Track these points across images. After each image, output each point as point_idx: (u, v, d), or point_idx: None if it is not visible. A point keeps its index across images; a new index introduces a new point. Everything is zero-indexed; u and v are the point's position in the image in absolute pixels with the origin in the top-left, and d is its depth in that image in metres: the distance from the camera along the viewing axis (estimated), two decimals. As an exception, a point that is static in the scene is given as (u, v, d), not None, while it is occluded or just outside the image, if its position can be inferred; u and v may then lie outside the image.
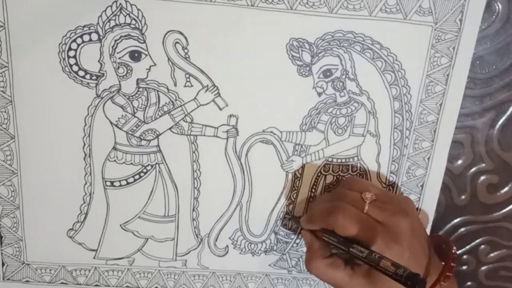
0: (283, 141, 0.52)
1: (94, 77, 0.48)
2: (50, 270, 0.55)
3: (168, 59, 0.48)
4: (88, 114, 0.49)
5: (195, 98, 0.50)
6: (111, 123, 0.50)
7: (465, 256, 0.60)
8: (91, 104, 0.49)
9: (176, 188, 0.53)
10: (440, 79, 0.50)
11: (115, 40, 0.47)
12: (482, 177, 0.56)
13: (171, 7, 0.46)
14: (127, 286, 0.56)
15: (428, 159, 0.53)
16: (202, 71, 0.49)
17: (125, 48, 0.48)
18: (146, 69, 0.48)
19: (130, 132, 0.50)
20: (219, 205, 0.54)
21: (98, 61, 0.48)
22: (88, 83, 0.48)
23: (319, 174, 0.54)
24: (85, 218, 0.53)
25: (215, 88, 0.49)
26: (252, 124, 0.51)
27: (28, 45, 0.47)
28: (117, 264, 0.55)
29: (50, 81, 0.48)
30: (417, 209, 0.55)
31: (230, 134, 0.51)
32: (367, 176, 0.54)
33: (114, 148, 0.51)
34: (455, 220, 0.58)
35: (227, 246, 0.56)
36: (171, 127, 0.51)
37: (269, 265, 0.57)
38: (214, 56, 0.48)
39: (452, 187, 0.56)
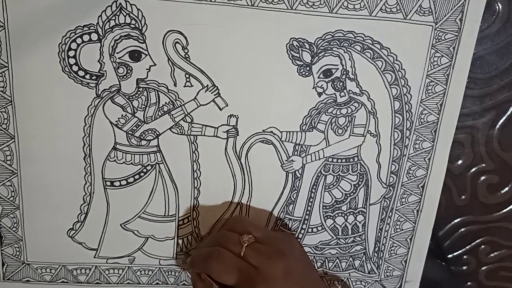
0: (283, 141, 0.52)
1: (94, 77, 0.48)
2: (51, 269, 0.55)
3: (168, 59, 0.48)
4: (88, 114, 0.49)
5: (195, 98, 0.50)
6: (111, 123, 0.50)
7: (465, 256, 0.60)
8: (91, 104, 0.49)
9: (176, 188, 0.53)
10: (440, 79, 0.50)
11: (115, 40, 0.47)
12: (482, 177, 0.56)
13: (171, 7, 0.46)
14: (128, 283, 0.56)
15: (429, 159, 0.53)
16: (202, 71, 0.49)
17: (125, 48, 0.48)
18: (146, 69, 0.48)
19: (130, 132, 0.50)
20: (219, 205, 0.54)
21: (98, 61, 0.48)
22: (88, 83, 0.48)
23: (319, 174, 0.54)
24: (85, 217, 0.53)
25: (215, 88, 0.49)
26: (252, 124, 0.51)
27: (28, 45, 0.46)
28: (118, 263, 0.56)
29: (50, 81, 0.48)
30: (417, 211, 0.55)
31: (230, 134, 0.51)
32: (367, 176, 0.54)
33: (114, 148, 0.51)
34: (455, 220, 0.58)
35: (227, 245, 0.56)
36: (171, 127, 0.51)
37: (269, 264, 0.57)
38: (214, 56, 0.48)
39: (452, 187, 0.56)
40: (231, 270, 0.45)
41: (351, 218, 0.56)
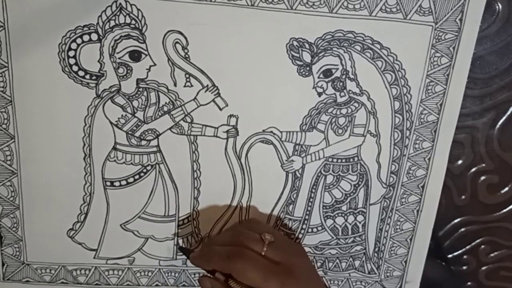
0: (283, 141, 0.52)
1: (94, 77, 0.48)
2: (50, 270, 0.55)
3: (168, 59, 0.48)
4: (88, 114, 0.49)
5: (195, 98, 0.50)
6: (111, 123, 0.50)
7: (465, 256, 0.60)
8: (91, 104, 0.49)
9: (176, 188, 0.53)
10: (440, 79, 0.50)
11: (115, 40, 0.47)
12: (482, 177, 0.56)
13: (171, 7, 0.46)
14: (127, 285, 0.56)
15: (429, 159, 0.53)
16: (202, 71, 0.49)
17: (125, 48, 0.48)
18: (146, 69, 0.48)
19: (130, 132, 0.50)
20: (219, 205, 0.54)
21: (98, 61, 0.48)
22: (88, 83, 0.48)
23: (319, 174, 0.54)
24: (85, 218, 0.53)
25: (215, 88, 0.49)
26: (252, 124, 0.51)
27: (28, 45, 0.46)
28: (118, 264, 0.56)
29: (50, 81, 0.48)
30: (417, 211, 0.55)
31: (230, 134, 0.51)
32: (367, 176, 0.54)
33: (114, 148, 0.51)
34: (455, 220, 0.58)
35: (227, 245, 0.56)
36: (171, 127, 0.51)
37: (269, 264, 0.57)
38: (214, 56, 0.48)
39: (452, 187, 0.56)
40: (256, 268, 0.44)
41: (351, 218, 0.56)
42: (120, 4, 0.46)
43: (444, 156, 0.53)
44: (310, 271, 0.47)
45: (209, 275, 0.48)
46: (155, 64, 0.48)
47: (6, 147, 0.50)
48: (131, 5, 0.46)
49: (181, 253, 0.55)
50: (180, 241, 0.55)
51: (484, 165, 0.55)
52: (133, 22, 0.47)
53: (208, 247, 0.49)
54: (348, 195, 0.55)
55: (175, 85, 0.49)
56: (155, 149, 0.51)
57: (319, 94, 0.51)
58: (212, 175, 0.53)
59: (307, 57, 0.49)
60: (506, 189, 0.57)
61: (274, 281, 0.44)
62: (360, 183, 0.54)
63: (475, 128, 0.54)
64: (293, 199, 0.55)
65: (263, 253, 0.46)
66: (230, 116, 0.51)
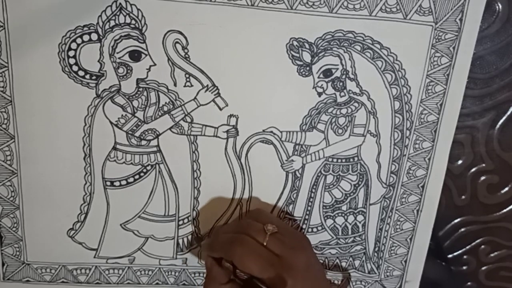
0: (283, 141, 0.52)
1: (94, 77, 0.48)
2: (51, 269, 0.55)
3: (168, 59, 0.48)
4: (88, 114, 0.49)
5: (195, 98, 0.50)
6: (111, 123, 0.50)
7: (465, 256, 0.60)
8: (91, 104, 0.49)
9: (176, 188, 0.53)
10: (441, 79, 0.50)
11: (115, 40, 0.47)
12: (482, 177, 0.56)
13: (171, 7, 0.46)
14: (128, 283, 0.56)
15: (429, 159, 0.53)
16: (202, 71, 0.49)
17: (125, 48, 0.48)
18: (146, 69, 0.48)
19: (130, 132, 0.50)
20: (219, 205, 0.54)
21: (98, 61, 0.48)
22: (88, 83, 0.48)
23: (319, 174, 0.54)
24: (85, 217, 0.53)
25: (215, 88, 0.49)
26: (252, 124, 0.51)
27: (28, 45, 0.46)
28: (118, 263, 0.56)
29: (50, 81, 0.48)
30: (417, 211, 0.55)
31: (230, 134, 0.51)
32: (367, 176, 0.54)
33: (114, 148, 0.51)
34: (455, 220, 0.58)
35: (227, 245, 0.56)
36: (171, 127, 0.51)
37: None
38: (214, 56, 0.48)
39: (452, 187, 0.56)
40: (255, 257, 0.45)
41: (351, 218, 0.56)
42: (120, 4, 0.46)
43: (444, 156, 0.53)
44: (310, 267, 0.46)
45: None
46: (155, 64, 0.48)
47: (6, 147, 0.50)
48: (131, 5, 0.46)
49: (182, 253, 0.55)
50: (180, 241, 0.55)
51: (484, 165, 0.55)
52: (133, 22, 0.47)
53: (214, 235, 0.50)
54: (348, 195, 0.55)
55: (175, 85, 0.49)
56: (155, 149, 0.51)
57: (319, 94, 0.51)
58: (212, 175, 0.53)
59: (307, 57, 0.49)
60: (506, 189, 0.57)
61: (271, 273, 0.44)
62: (360, 183, 0.54)
63: (475, 128, 0.54)
64: (293, 199, 0.55)
65: (265, 244, 0.46)
66: (230, 116, 0.51)
